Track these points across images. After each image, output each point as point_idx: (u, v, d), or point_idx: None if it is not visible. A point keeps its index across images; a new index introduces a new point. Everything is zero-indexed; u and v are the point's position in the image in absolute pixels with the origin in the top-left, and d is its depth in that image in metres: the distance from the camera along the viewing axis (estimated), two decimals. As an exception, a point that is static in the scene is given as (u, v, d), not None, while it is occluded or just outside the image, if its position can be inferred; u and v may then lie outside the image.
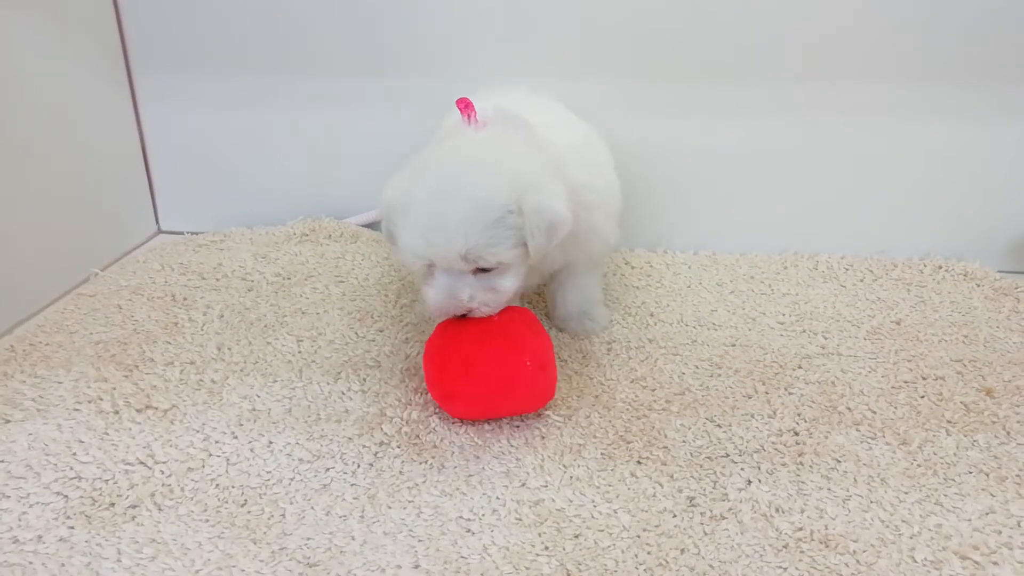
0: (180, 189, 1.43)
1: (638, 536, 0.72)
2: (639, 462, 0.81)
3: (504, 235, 0.80)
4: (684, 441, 0.85)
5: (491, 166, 0.82)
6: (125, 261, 1.28)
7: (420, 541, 0.71)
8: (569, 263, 1.00)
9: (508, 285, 0.84)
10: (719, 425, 0.87)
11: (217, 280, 1.18)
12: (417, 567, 0.68)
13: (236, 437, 0.84)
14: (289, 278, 1.19)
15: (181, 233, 1.41)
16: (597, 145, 1.04)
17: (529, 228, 0.80)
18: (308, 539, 0.71)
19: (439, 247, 0.80)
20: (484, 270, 0.82)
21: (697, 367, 0.99)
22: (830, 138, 1.28)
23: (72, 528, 0.72)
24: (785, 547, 0.70)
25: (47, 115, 1.15)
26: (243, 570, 0.67)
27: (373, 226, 1.41)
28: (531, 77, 1.25)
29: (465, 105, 0.87)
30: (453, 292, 0.82)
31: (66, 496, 0.75)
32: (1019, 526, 0.73)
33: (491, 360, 0.82)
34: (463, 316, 0.84)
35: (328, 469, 0.80)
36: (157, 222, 1.44)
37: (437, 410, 0.89)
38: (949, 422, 0.88)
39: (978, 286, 1.21)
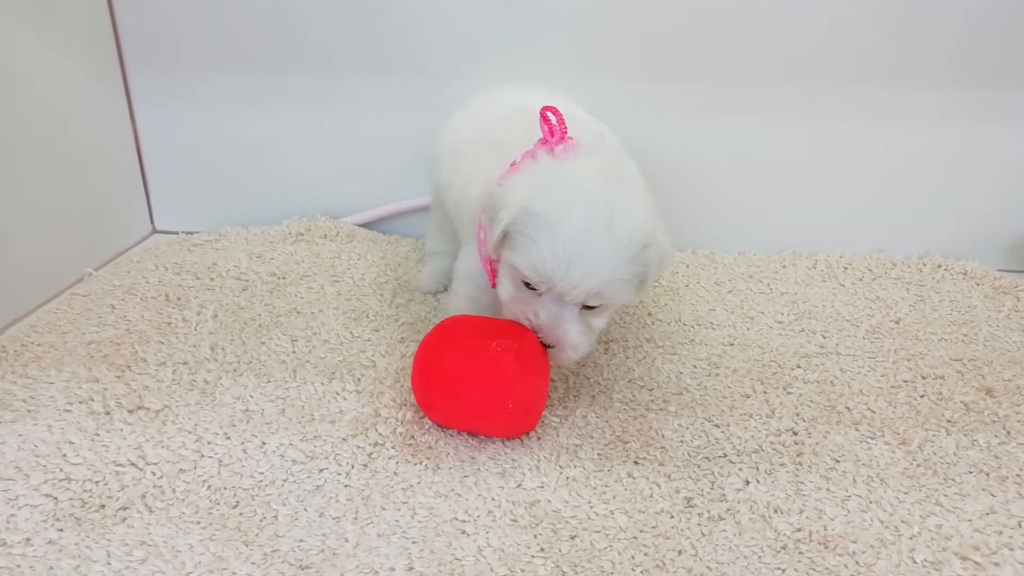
0: (175, 189, 1.42)
1: (635, 537, 0.71)
2: (636, 462, 0.81)
3: (633, 274, 0.78)
4: (682, 441, 0.84)
5: (634, 203, 0.79)
6: (119, 261, 1.27)
7: (414, 543, 0.70)
8: None
9: (600, 325, 0.83)
10: (717, 425, 0.87)
11: (211, 280, 1.17)
12: (411, 569, 0.67)
13: (229, 438, 0.83)
14: (284, 278, 1.18)
15: (176, 233, 1.40)
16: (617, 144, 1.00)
17: (655, 265, 0.79)
18: (301, 541, 0.70)
19: (575, 280, 0.76)
20: (589, 307, 0.80)
21: (695, 366, 0.98)
22: (829, 138, 1.27)
23: (61, 530, 0.70)
24: (783, 548, 0.70)
25: (42, 115, 1.14)
26: (234, 572, 0.66)
27: (369, 225, 1.40)
28: (532, 78, 1.24)
29: (554, 115, 0.84)
30: (559, 322, 0.80)
31: (56, 498, 0.74)
32: (1020, 526, 0.72)
33: (474, 393, 0.78)
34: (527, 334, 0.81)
35: (322, 470, 0.79)
36: (152, 222, 1.44)
37: (432, 410, 0.88)
38: (949, 421, 0.88)
39: (978, 285, 1.20)
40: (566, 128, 0.84)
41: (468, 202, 0.92)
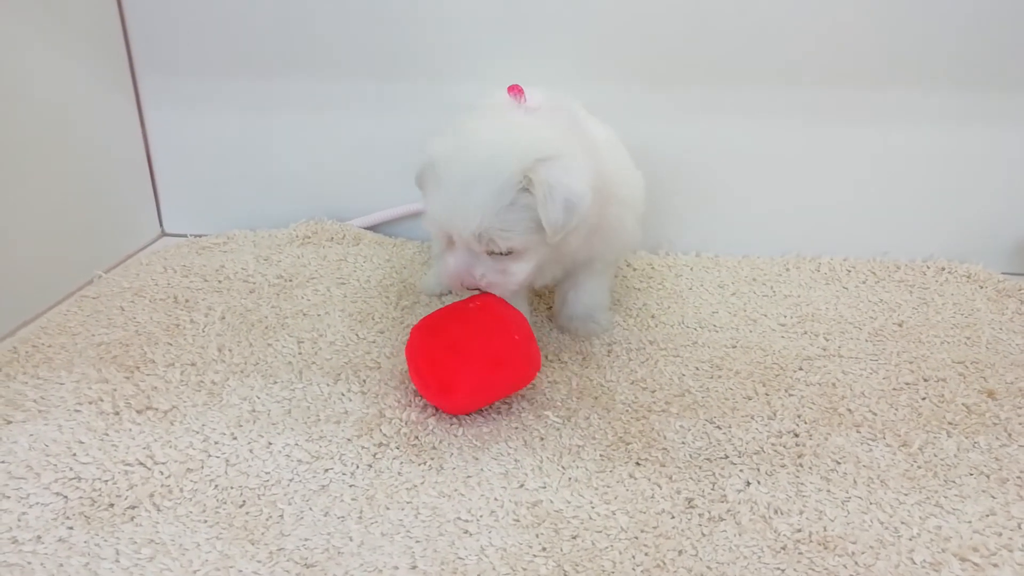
0: (184, 192, 1.44)
1: (636, 537, 0.71)
2: (638, 463, 0.81)
3: (517, 219, 0.82)
4: (683, 443, 0.85)
5: (507, 146, 0.82)
6: (128, 263, 1.29)
7: (418, 542, 0.71)
8: (590, 260, 1.00)
9: (520, 269, 0.87)
10: (719, 427, 0.87)
11: (219, 282, 1.18)
12: (414, 568, 0.68)
13: (235, 438, 0.84)
14: (291, 280, 1.20)
15: (184, 235, 1.42)
16: (621, 145, 1.05)
17: (540, 203, 0.80)
18: (306, 540, 0.71)
19: (457, 226, 0.82)
20: (502, 253, 0.85)
21: (697, 369, 0.99)
22: (833, 141, 1.28)
23: (71, 528, 0.72)
24: (783, 548, 0.70)
25: (52, 118, 1.16)
26: (241, 571, 0.68)
27: (375, 228, 1.41)
28: (535, 80, 1.25)
29: (516, 91, 0.90)
30: (468, 267, 0.86)
31: (65, 497, 0.75)
32: (1019, 528, 0.73)
33: (480, 336, 0.84)
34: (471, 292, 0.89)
35: (327, 470, 0.80)
36: (161, 224, 1.45)
37: (436, 412, 0.89)
38: (950, 424, 0.88)
39: (981, 288, 1.20)
40: (523, 98, 0.90)
41: None
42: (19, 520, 0.72)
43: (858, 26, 1.20)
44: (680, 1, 1.20)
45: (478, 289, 0.88)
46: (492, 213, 0.81)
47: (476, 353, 0.83)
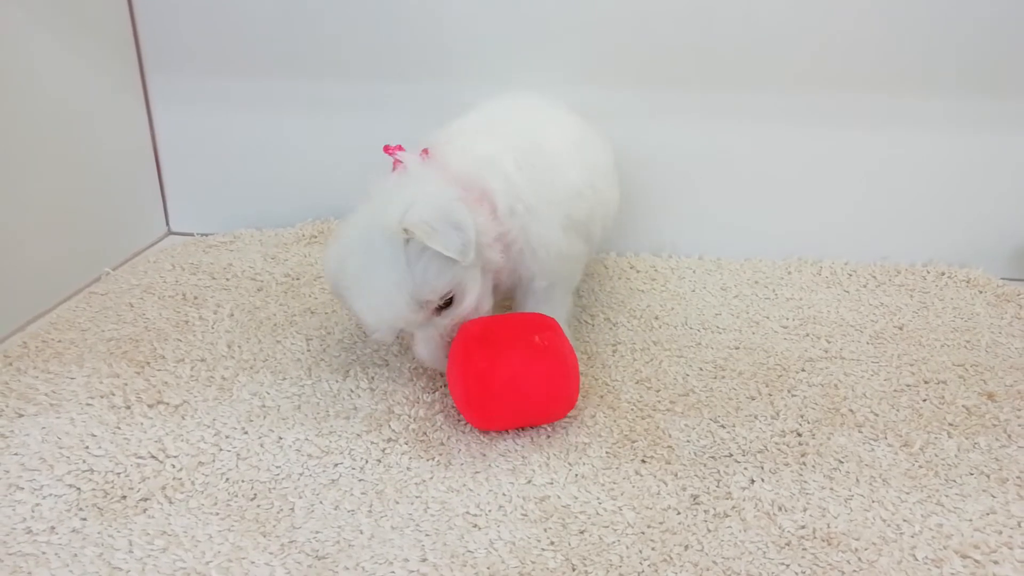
0: (190, 191, 1.45)
1: (642, 532, 0.72)
2: (643, 461, 0.82)
3: (428, 261, 0.80)
4: (688, 441, 0.86)
5: (368, 221, 0.83)
6: (136, 261, 1.29)
7: (427, 535, 0.72)
8: (541, 284, 0.96)
9: (470, 303, 0.86)
10: (723, 425, 0.88)
11: (227, 280, 1.19)
12: (424, 560, 0.69)
13: (246, 432, 0.85)
14: (298, 278, 1.21)
15: (191, 234, 1.42)
16: (585, 149, 1.01)
17: (430, 239, 0.78)
18: (317, 532, 0.72)
19: (390, 319, 0.82)
20: (447, 304, 0.84)
21: (701, 369, 1.00)
22: (835, 146, 1.29)
23: (84, 520, 0.73)
24: (788, 544, 0.71)
25: (61, 117, 1.17)
26: (253, 562, 0.68)
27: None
28: (540, 83, 1.27)
29: (390, 153, 0.89)
30: (430, 340, 0.86)
31: (79, 488, 0.76)
32: (1019, 526, 0.74)
33: (541, 380, 0.83)
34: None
35: (337, 465, 0.81)
36: (167, 223, 1.46)
37: (444, 409, 0.90)
38: (951, 425, 0.89)
39: (980, 292, 1.22)
40: (397, 164, 0.88)
41: None
42: (33, 511, 0.73)
43: (860, 32, 1.21)
44: (685, 6, 1.22)
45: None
46: (407, 278, 0.80)
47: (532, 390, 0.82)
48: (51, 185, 1.15)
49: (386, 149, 0.89)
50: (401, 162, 0.88)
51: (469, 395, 0.83)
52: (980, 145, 1.26)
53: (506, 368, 0.81)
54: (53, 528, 0.71)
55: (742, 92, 1.26)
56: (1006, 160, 1.27)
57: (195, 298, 1.14)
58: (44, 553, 0.69)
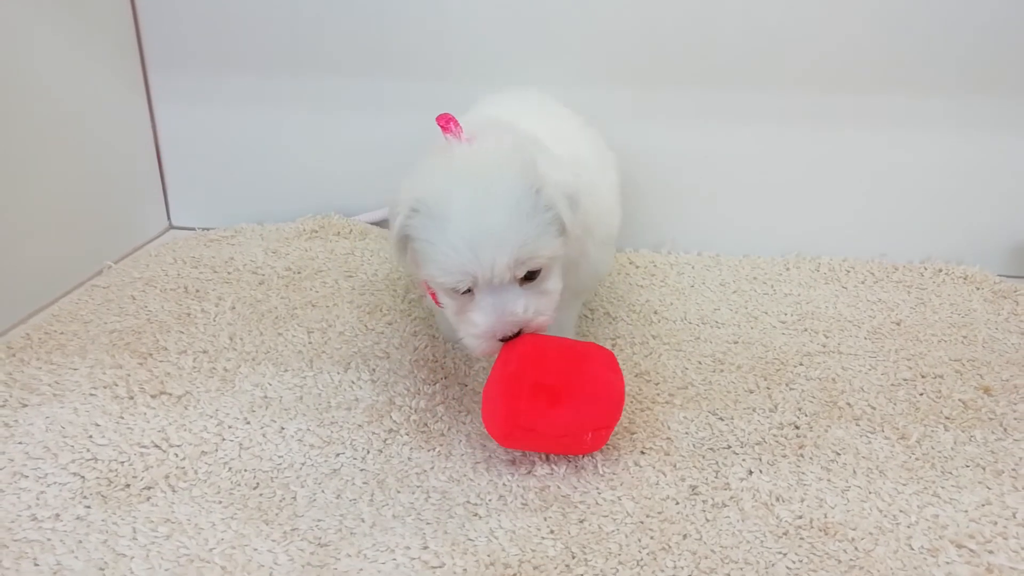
0: (192, 186, 1.45)
1: (641, 522, 0.73)
2: (643, 452, 0.83)
3: (542, 224, 0.74)
4: (687, 433, 0.86)
5: (503, 157, 0.76)
6: (138, 255, 1.30)
7: (428, 524, 0.73)
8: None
9: (555, 286, 0.79)
10: (721, 418, 0.89)
11: (228, 273, 1.20)
12: (426, 548, 0.70)
13: (248, 423, 0.85)
14: (299, 272, 1.21)
15: (192, 229, 1.43)
16: (600, 162, 0.99)
17: (559, 205, 0.75)
18: (319, 520, 0.73)
19: (488, 263, 0.73)
20: (530, 277, 0.76)
21: (700, 363, 1.01)
22: (834, 145, 1.30)
23: (89, 507, 0.73)
24: (785, 534, 0.72)
25: (64, 113, 1.18)
26: (256, 549, 0.69)
27: (381, 224, 1.43)
28: (541, 81, 1.27)
29: (447, 121, 0.81)
30: (507, 307, 0.75)
31: (83, 477, 0.77)
32: (1014, 517, 0.75)
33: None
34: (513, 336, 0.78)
35: (338, 454, 0.81)
36: (168, 218, 1.47)
37: (444, 400, 0.90)
38: (947, 418, 0.90)
39: (978, 289, 1.23)
40: (460, 128, 0.81)
41: None
42: (38, 499, 0.74)
43: (860, 33, 1.22)
44: (688, 6, 1.22)
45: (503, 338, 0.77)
46: (524, 227, 0.73)
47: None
48: (54, 180, 1.16)
49: (443, 118, 0.82)
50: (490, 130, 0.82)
51: (505, 432, 0.77)
52: (978, 144, 1.27)
53: (555, 428, 0.75)
54: (58, 515, 0.72)
55: (742, 91, 1.27)
56: (1004, 159, 1.27)
57: (197, 291, 1.14)
58: (49, 539, 0.69)
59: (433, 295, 0.84)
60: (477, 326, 0.76)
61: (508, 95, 1.06)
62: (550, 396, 0.74)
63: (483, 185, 0.74)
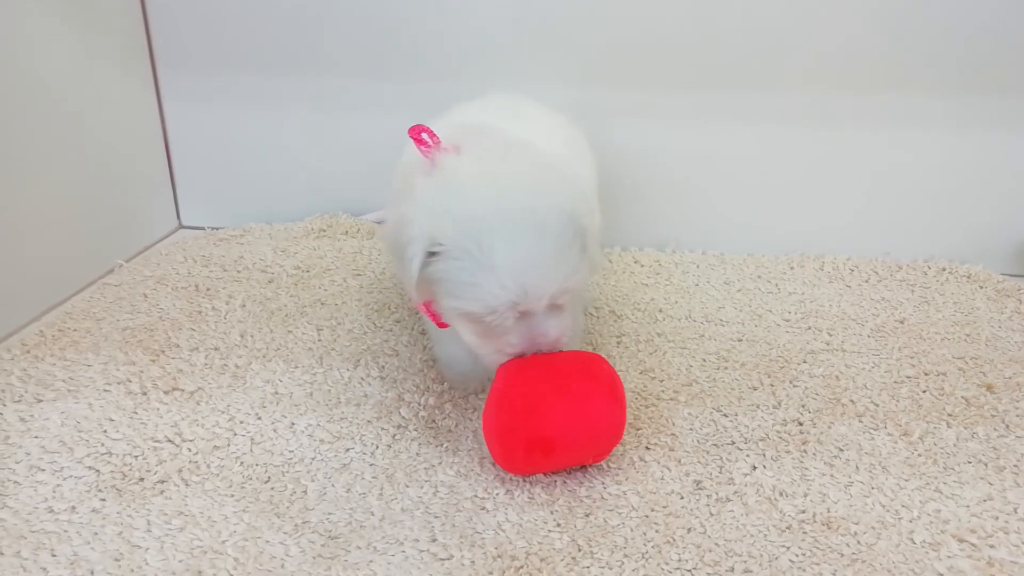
0: (201, 186, 1.47)
1: (646, 516, 0.74)
2: (648, 448, 0.84)
3: (578, 247, 0.73)
4: (691, 429, 0.88)
5: (535, 175, 0.73)
6: (148, 254, 1.32)
7: (436, 517, 0.74)
8: None
9: (571, 305, 0.78)
10: (725, 415, 0.90)
11: (238, 272, 1.22)
12: (434, 541, 0.71)
13: (260, 418, 0.87)
14: (308, 271, 1.23)
15: (202, 228, 1.45)
16: (579, 162, 0.97)
17: (590, 233, 0.74)
18: (329, 514, 0.74)
19: (536, 297, 0.70)
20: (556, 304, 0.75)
21: (704, 360, 1.02)
22: (837, 144, 1.31)
23: (104, 500, 0.75)
24: (788, 528, 0.73)
25: (75, 112, 1.19)
26: (268, 541, 0.70)
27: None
28: (543, 82, 1.29)
29: (419, 132, 0.78)
30: (538, 330, 0.74)
31: (98, 470, 0.78)
32: (1016, 512, 0.75)
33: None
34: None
35: (348, 449, 0.83)
36: (178, 217, 1.48)
37: (452, 397, 0.92)
38: (950, 415, 0.91)
39: (981, 288, 1.23)
40: (437, 140, 0.79)
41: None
42: (54, 491, 0.75)
43: (863, 32, 1.23)
44: (691, 7, 1.23)
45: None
46: (568, 256, 0.71)
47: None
48: (64, 179, 1.17)
49: (416, 130, 0.79)
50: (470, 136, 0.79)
51: (505, 467, 0.78)
52: (981, 143, 1.28)
53: (553, 467, 0.77)
54: (74, 508, 0.74)
55: (745, 91, 1.28)
56: (1007, 158, 1.28)
57: (207, 289, 1.16)
58: (66, 531, 0.71)
59: (433, 316, 0.82)
60: (512, 346, 0.75)
61: (480, 100, 1.01)
62: (546, 448, 0.74)
63: (528, 215, 0.70)
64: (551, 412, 0.74)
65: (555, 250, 0.71)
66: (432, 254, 0.71)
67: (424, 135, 0.78)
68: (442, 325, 0.83)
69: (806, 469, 0.81)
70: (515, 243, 0.69)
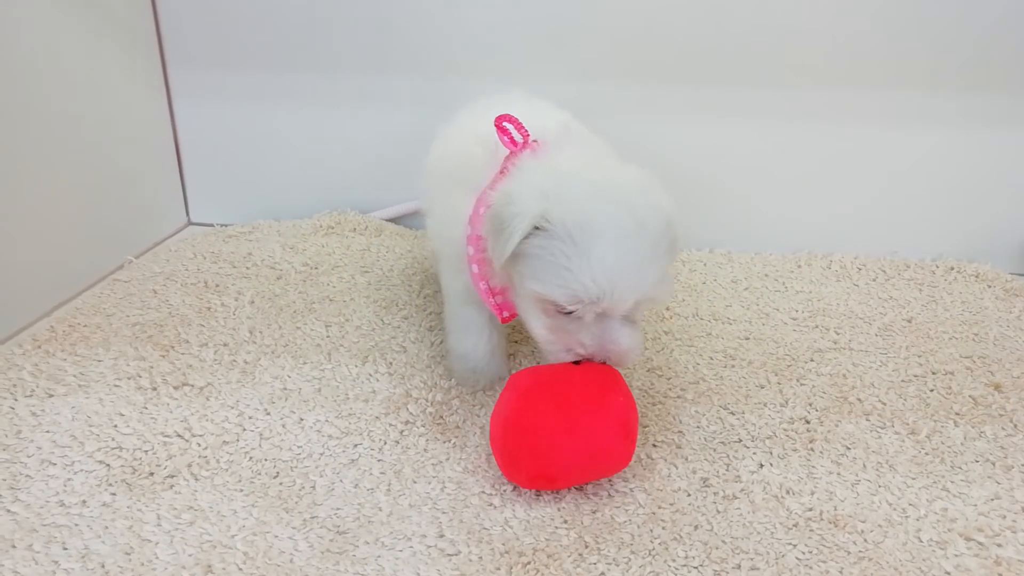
0: (210, 183, 1.48)
1: (653, 513, 0.74)
2: (655, 445, 0.84)
3: (668, 261, 0.72)
4: (698, 427, 0.88)
5: (638, 180, 0.73)
6: (158, 250, 1.32)
7: (444, 513, 0.74)
8: None
9: (641, 317, 0.77)
10: (732, 412, 0.90)
11: (247, 268, 1.22)
12: (442, 536, 0.71)
13: (268, 414, 0.87)
14: (316, 268, 1.23)
15: (211, 225, 1.45)
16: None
17: (681, 240, 0.73)
18: (337, 509, 0.74)
19: (623, 296, 0.69)
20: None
21: (712, 358, 1.02)
22: (845, 143, 1.31)
23: (114, 494, 0.75)
24: (795, 526, 0.73)
25: (83, 108, 1.20)
26: (277, 536, 0.71)
27: (396, 220, 1.45)
28: (550, 78, 1.29)
29: (511, 123, 0.78)
30: (612, 336, 0.72)
31: (108, 465, 0.79)
32: (1023, 512, 0.75)
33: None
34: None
35: (356, 445, 0.83)
36: (187, 214, 1.49)
37: (460, 393, 0.92)
38: (957, 414, 0.91)
39: (989, 287, 1.23)
40: (527, 131, 0.79)
41: (448, 240, 0.86)
42: (65, 485, 0.76)
43: (872, 30, 1.22)
44: (700, 4, 1.23)
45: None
46: (661, 264, 0.70)
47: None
48: (74, 177, 1.18)
49: (503, 124, 0.79)
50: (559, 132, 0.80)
51: (506, 476, 0.78)
52: (990, 142, 1.27)
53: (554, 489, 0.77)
54: (84, 502, 0.74)
55: (753, 89, 1.28)
56: (1015, 157, 1.28)
57: (216, 285, 1.16)
58: (77, 525, 0.71)
59: (498, 308, 0.81)
60: (583, 346, 0.73)
61: (497, 98, 0.98)
62: (549, 480, 0.75)
63: (633, 213, 0.69)
64: (557, 452, 0.72)
65: (651, 254, 0.70)
66: (537, 229, 0.70)
67: (509, 125, 0.78)
68: (505, 320, 0.83)
69: (813, 467, 0.81)
70: (617, 239, 0.68)
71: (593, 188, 0.71)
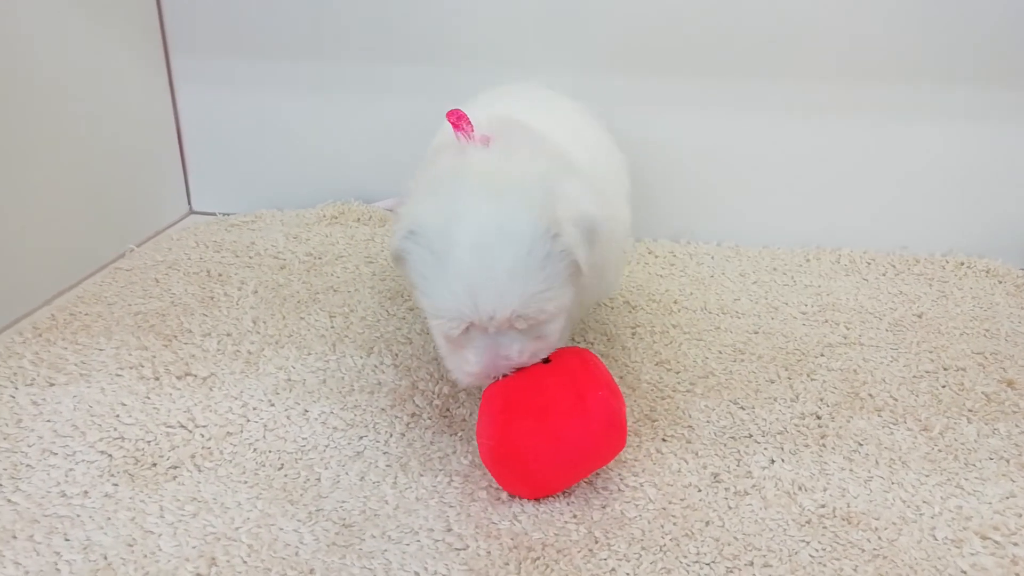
0: (213, 171, 1.46)
1: (664, 508, 0.73)
2: (664, 440, 0.83)
3: (553, 275, 0.67)
4: (708, 421, 0.87)
5: (520, 191, 0.67)
6: (159, 239, 1.31)
7: (451, 507, 0.73)
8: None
9: (555, 330, 0.72)
10: (742, 407, 0.89)
11: (250, 258, 1.21)
12: (449, 530, 0.70)
13: (273, 405, 0.86)
14: (320, 258, 1.22)
15: (213, 214, 1.44)
16: (611, 163, 0.92)
17: (576, 248, 0.67)
18: (343, 502, 0.73)
19: (486, 312, 0.66)
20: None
21: (721, 352, 1.01)
22: (855, 135, 1.29)
23: (116, 485, 0.74)
24: (808, 522, 0.72)
25: (88, 96, 1.18)
26: (282, 528, 0.70)
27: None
28: (557, 70, 1.28)
29: (458, 118, 0.74)
30: (501, 351, 0.69)
31: (110, 455, 0.78)
32: (1039, 510, 0.74)
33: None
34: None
35: (361, 437, 0.82)
36: (189, 203, 1.48)
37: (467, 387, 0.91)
38: (970, 411, 0.90)
39: (1000, 283, 1.22)
40: (471, 127, 0.74)
41: None
42: (67, 476, 0.75)
43: (882, 24, 1.21)
44: (710, -6, 1.22)
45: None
46: (533, 278, 0.65)
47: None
48: (76, 164, 1.16)
49: (454, 115, 0.75)
50: (485, 134, 0.74)
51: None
52: (1000, 136, 1.26)
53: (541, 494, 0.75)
54: (86, 492, 0.73)
55: (762, 83, 1.26)
56: (1028, 152, 1.26)
57: (219, 275, 1.15)
58: (79, 515, 0.70)
59: None
60: (469, 364, 0.71)
61: (513, 88, 0.97)
62: (549, 490, 0.74)
63: (494, 219, 0.65)
64: (548, 468, 0.71)
65: (521, 269, 0.65)
66: (412, 233, 0.68)
67: (463, 122, 0.74)
68: None
69: (825, 463, 0.80)
70: (474, 250, 0.64)
71: (467, 195, 0.66)
